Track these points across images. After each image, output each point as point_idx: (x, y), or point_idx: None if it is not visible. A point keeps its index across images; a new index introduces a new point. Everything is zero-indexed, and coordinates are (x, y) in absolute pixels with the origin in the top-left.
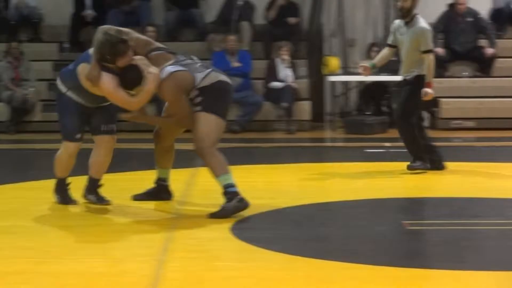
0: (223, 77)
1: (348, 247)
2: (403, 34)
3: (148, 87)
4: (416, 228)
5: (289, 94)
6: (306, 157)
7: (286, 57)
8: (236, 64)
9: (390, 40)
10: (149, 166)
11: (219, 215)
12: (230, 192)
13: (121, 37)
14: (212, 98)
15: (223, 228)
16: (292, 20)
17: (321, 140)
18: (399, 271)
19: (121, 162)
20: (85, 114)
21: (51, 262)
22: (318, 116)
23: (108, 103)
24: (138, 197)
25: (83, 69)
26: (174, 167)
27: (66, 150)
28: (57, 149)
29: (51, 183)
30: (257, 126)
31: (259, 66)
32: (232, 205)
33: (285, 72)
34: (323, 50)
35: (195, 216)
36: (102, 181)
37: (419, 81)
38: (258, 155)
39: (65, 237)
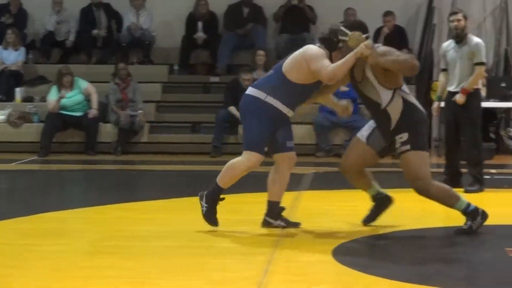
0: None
1: (449, 272)
2: (457, 53)
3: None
4: None
5: None
6: None
7: None
8: (344, 88)
9: (443, 65)
10: (256, 189)
11: (466, 231)
12: (469, 212)
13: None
14: (417, 132)
15: (325, 251)
16: None
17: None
18: None
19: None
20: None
21: (150, 284)
22: None
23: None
24: (367, 220)
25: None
26: None
27: (247, 162)
28: (162, 171)
29: (152, 204)
30: None
31: None
32: (478, 222)
33: None
34: (432, 75)
35: (298, 239)
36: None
37: (476, 96)
38: None
39: (165, 258)
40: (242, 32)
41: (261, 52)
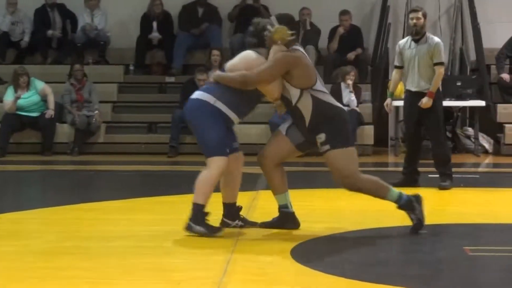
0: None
1: (408, 272)
2: (413, 51)
3: None
4: (477, 254)
5: (353, 119)
6: None
7: (351, 81)
8: None
9: (398, 62)
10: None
11: (418, 226)
12: (404, 204)
13: None
14: (336, 130)
15: (284, 251)
16: (351, 56)
17: (384, 164)
18: None
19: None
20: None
21: (109, 283)
22: (381, 141)
23: None
24: (264, 225)
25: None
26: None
27: (217, 169)
28: (119, 171)
29: (110, 204)
30: None
31: None
32: (418, 210)
33: (349, 97)
34: (388, 74)
35: (256, 239)
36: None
37: (438, 95)
38: (320, 179)
39: (124, 258)
40: (197, 32)
41: (216, 52)
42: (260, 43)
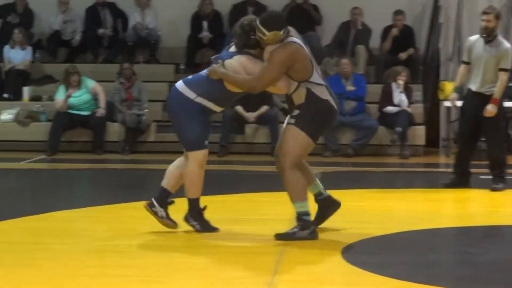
0: (332, 100)
1: (460, 273)
2: (482, 51)
3: None
4: None
5: (404, 119)
6: (419, 183)
7: (402, 82)
8: (350, 87)
9: (466, 58)
10: (262, 189)
11: (286, 237)
12: (304, 220)
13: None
14: (310, 116)
15: (334, 251)
16: (403, 56)
17: (435, 165)
18: None
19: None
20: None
21: (159, 282)
22: (432, 141)
23: None
24: (316, 222)
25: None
26: (280, 189)
27: (196, 161)
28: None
29: None
30: (371, 150)
31: (373, 90)
32: (304, 235)
33: (400, 97)
34: (439, 75)
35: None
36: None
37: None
38: (371, 180)
39: (174, 256)
40: None
41: None
42: (248, 45)
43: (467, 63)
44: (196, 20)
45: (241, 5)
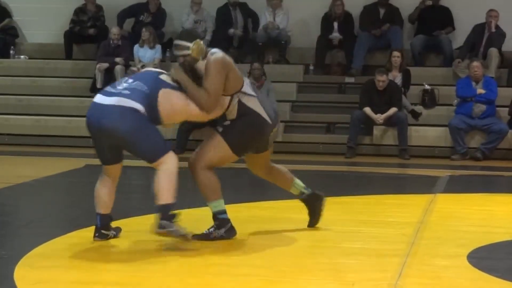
0: (264, 114)
1: None
2: None
3: None
4: None
5: None
6: None
7: None
8: (481, 91)
9: None
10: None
11: (202, 237)
12: (220, 219)
13: None
14: (239, 130)
15: (460, 255)
16: None
17: None
18: None
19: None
20: None
21: (282, 282)
22: None
23: None
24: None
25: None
26: (414, 191)
27: (171, 165)
28: (296, 170)
29: (286, 203)
30: (500, 154)
31: (504, 93)
32: (220, 234)
33: None
34: None
35: (432, 242)
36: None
37: None
38: (500, 184)
39: (298, 257)
40: (378, 33)
41: (396, 53)
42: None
43: None
44: (327, 21)
45: (372, 6)
